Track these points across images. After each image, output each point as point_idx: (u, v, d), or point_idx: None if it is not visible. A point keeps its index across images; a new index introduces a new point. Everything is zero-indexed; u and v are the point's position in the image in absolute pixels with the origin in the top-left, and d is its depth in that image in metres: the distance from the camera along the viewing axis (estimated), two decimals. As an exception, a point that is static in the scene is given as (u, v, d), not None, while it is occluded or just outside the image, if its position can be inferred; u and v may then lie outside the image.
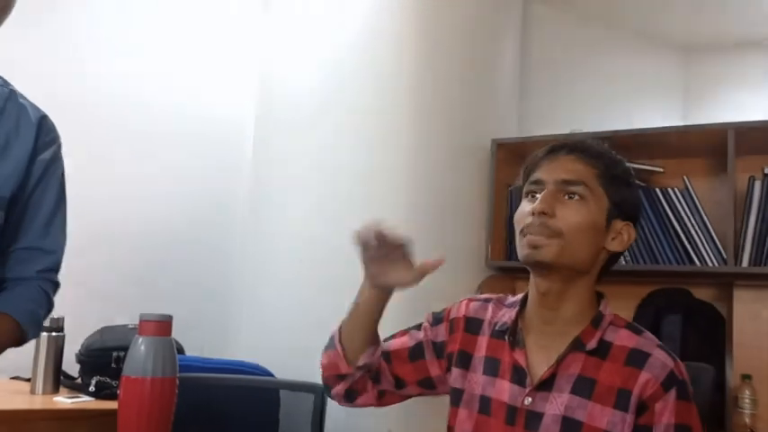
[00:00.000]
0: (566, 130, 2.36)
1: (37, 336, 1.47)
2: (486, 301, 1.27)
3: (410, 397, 1.32)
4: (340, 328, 1.25)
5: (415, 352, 1.28)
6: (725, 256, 2.17)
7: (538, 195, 1.12)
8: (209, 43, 2.81)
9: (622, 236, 1.14)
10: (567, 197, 1.10)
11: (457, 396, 1.21)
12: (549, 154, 1.16)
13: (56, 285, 1.47)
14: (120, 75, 2.51)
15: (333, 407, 1.94)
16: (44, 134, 1.43)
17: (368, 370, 1.24)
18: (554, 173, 1.12)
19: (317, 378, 1.91)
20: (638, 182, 1.25)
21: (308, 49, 2.56)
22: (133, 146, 2.55)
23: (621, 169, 1.16)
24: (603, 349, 1.09)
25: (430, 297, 2.37)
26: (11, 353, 1.48)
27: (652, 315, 2.30)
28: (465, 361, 1.22)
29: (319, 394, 1.86)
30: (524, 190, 1.17)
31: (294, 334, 2.40)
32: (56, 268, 1.46)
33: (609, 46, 3.40)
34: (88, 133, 2.38)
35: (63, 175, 1.49)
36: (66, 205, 1.49)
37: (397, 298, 2.30)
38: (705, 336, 2.26)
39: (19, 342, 1.36)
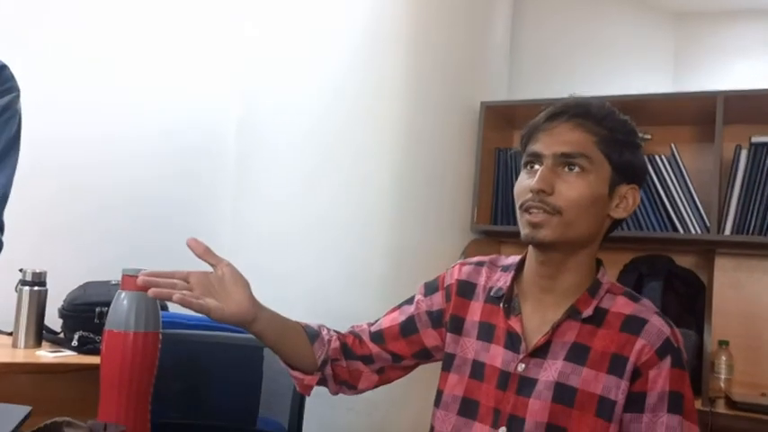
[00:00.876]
0: (555, 95, 2.35)
1: None
2: (479, 264, 1.25)
3: (412, 368, 1.30)
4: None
5: (407, 327, 1.26)
6: (708, 225, 2.18)
7: (537, 167, 1.10)
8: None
9: (627, 200, 1.12)
10: (566, 169, 1.08)
11: (448, 361, 1.20)
12: (547, 122, 1.11)
13: None
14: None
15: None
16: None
17: (334, 358, 1.22)
18: (552, 145, 1.08)
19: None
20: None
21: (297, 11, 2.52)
22: (120, 104, 2.50)
23: (625, 131, 1.12)
24: (599, 317, 1.09)
25: (416, 260, 2.40)
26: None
27: (634, 281, 2.32)
28: (457, 326, 1.21)
29: (303, 352, 1.86)
30: (523, 160, 1.14)
31: (277, 296, 2.40)
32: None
33: (601, 11, 3.37)
34: (69, 90, 2.35)
35: (18, 125, 1.47)
36: (17, 156, 1.47)
37: (382, 263, 2.32)
38: (685, 302, 2.29)
39: None
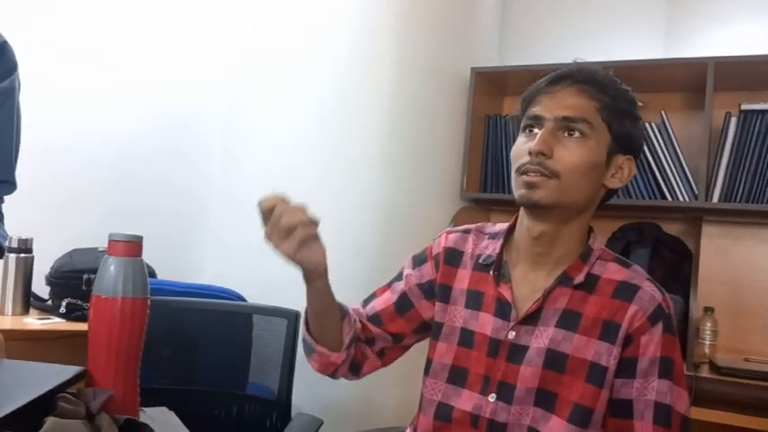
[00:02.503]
0: (546, 61, 2.34)
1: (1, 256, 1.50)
2: (466, 231, 1.24)
3: (409, 347, 1.29)
4: (309, 331, 1.18)
5: (402, 305, 1.24)
6: (696, 192, 2.19)
7: (536, 130, 1.08)
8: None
9: (623, 171, 1.11)
10: (566, 134, 1.06)
11: (437, 330, 1.19)
12: (549, 85, 1.10)
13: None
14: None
15: (305, 331, 1.97)
16: (4, 62, 1.38)
17: (357, 339, 1.21)
18: (554, 109, 1.07)
19: (286, 303, 1.94)
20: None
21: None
22: (112, 84, 2.48)
23: (626, 101, 1.11)
24: (590, 283, 1.09)
25: (405, 228, 2.39)
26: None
27: (621, 248, 2.33)
28: (445, 294, 1.20)
29: (292, 319, 1.87)
30: (522, 123, 1.12)
31: (264, 261, 2.39)
32: (12, 192, 1.45)
33: (592, -25, 3.32)
34: (64, 68, 2.33)
35: (18, 102, 1.45)
36: (20, 131, 1.47)
37: (372, 232, 2.32)
38: (671, 269, 2.30)
39: None
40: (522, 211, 1.14)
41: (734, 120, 2.18)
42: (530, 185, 1.06)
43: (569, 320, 1.07)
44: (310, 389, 2.18)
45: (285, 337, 1.87)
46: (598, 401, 1.05)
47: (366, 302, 1.28)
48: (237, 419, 1.87)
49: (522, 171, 1.07)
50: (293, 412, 1.85)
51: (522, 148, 1.09)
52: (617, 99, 1.09)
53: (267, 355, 1.89)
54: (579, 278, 1.09)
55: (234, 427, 1.87)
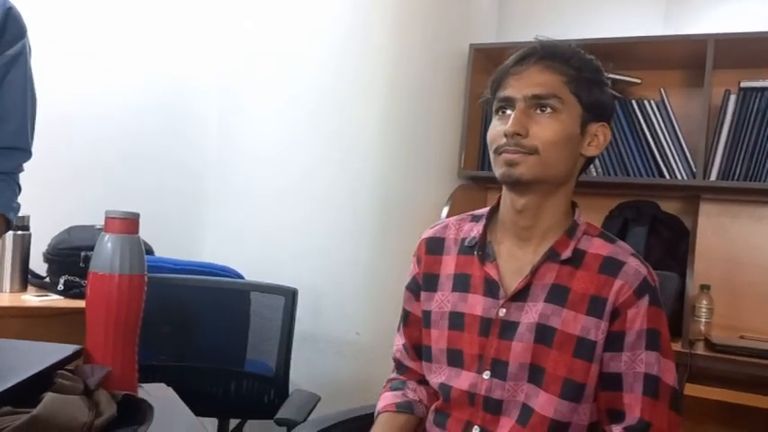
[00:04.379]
0: (546, 37, 2.32)
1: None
2: (446, 222, 1.28)
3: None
4: None
5: (405, 318, 1.30)
6: (694, 170, 2.19)
7: (509, 112, 1.10)
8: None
9: (598, 138, 1.13)
10: (538, 111, 1.08)
11: (426, 318, 1.22)
12: (515, 66, 1.12)
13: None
14: None
15: (303, 309, 1.98)
16: (11, 28, 1.37)
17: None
18: (523, 88, 1.09)
19: (284, 281, 1.94)
20: (614, 93, 1.23)
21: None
22: (104, 44, 2.46)
23: (591, 69, 1.13)
24: (577, 258, 1.11)
25: (403, 205, 2.39)
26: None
27: (619, 226, 2.33)
28: (431, 283, 1.22)
29: (290, 296, 1.88)
30: (494, 106, 1.14)
31: (262, 239, 2.40)
32: (28, 160, 1.46)
33: (593, -50, 3.28)
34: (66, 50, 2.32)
35: (30, 67, 1.44)
36: (35, 98, 1.46)
37: (370, 210, 2.32)
38: (668, 247, 2.31)
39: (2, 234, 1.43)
40: (504, 189, 1.16)
41: (733, 97, 2.17)
42: (510, 163, 1.08)
43: (558, 295, 1.09)
44: (308, 365, 2.20)
45: (283, 315, 1.88)
46: (589, 376, 1.07)
47: (399, 326, 1.33)
48: (236, 396, 1.88)
49: (500, 152, 1.10)
50: (291, 389, 1.87)
51: (497, 129, 1.11)
52: (582, 70, 1.11)
53: (265, 333, 1.90)
54: (566, 253, 1.11)
55: (232, 404, 1.88)
